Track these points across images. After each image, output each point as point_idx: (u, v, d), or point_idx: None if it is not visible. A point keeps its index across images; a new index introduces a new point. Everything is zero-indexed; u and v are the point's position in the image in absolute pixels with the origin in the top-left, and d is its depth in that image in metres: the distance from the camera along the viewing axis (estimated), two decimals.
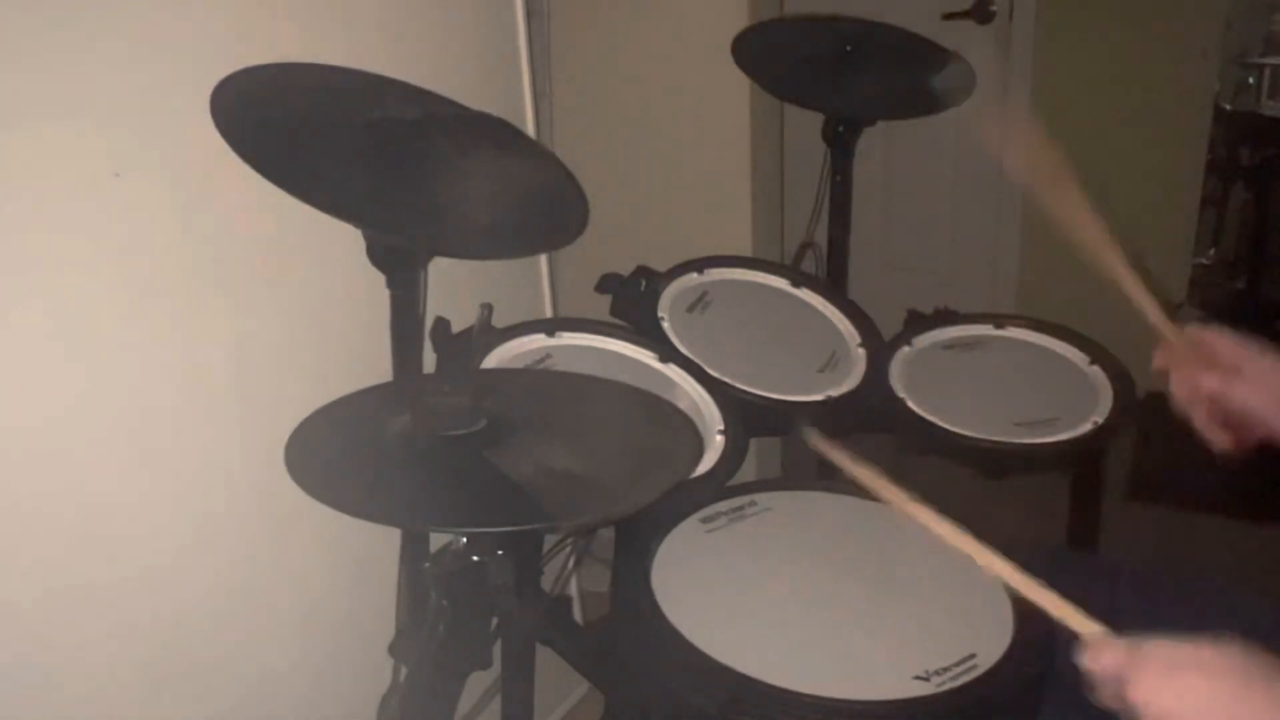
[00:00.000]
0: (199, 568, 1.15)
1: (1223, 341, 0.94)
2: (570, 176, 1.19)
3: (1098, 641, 0.74)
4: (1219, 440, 0.92)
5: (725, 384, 1.33)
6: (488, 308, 1.19)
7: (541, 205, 1.18)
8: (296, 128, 1.03)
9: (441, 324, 1.24)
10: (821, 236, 1.83)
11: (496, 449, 0.88)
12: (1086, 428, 1.34)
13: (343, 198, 1.01)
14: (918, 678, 0.94)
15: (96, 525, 1.04)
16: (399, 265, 1.07)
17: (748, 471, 1.37)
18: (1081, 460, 1.48)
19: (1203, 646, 0.71)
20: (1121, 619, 0.76)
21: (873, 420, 1.42)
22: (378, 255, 1.06)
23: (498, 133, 1.20)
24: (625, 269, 1.47)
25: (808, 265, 2.24)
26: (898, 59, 1.68)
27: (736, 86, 1.99)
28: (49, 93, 0.95)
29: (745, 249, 2.08)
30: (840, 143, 1.66)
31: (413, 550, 1.19)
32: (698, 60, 2.02)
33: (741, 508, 1.19)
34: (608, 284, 1.46)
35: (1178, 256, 2.76)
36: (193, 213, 1.09)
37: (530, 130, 1.64)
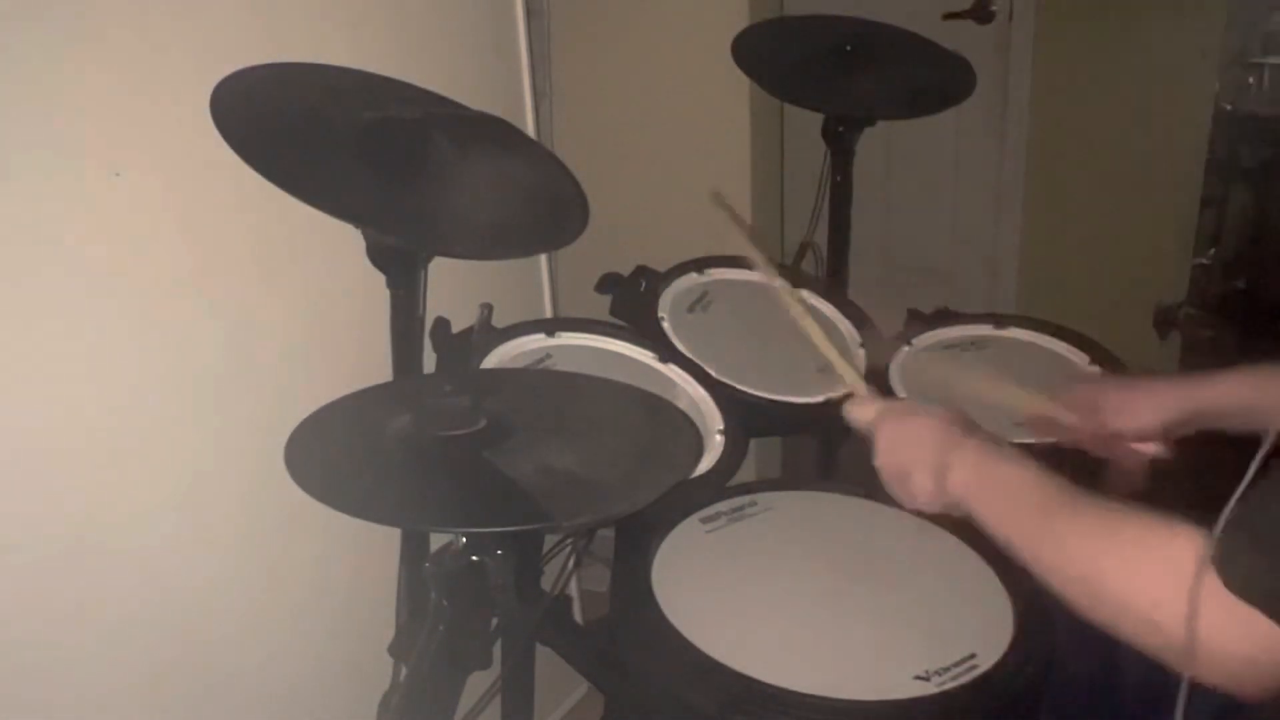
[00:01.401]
0: (199, 568, 1.15)
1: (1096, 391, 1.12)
2: (570, 176, 1.19)
3: (859, 398, 1.05)
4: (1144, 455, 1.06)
5: (725, 384, 1.33)
6: (488, 308, 1.19)
7: (541, 205, 1.18)
8: (296, 128, 1.03)
9: (441, 324, 1.24)
10: (821, 236, 1.83)
11: (496, 449, 0.88)
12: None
13: (343, 198, 1.01)
14: (918, 678, 0.94)
15: (96, 525, 1.04)
16: (399, 265, 1.07)
17: (748, 471, 1.37)
18: (1081, 461, 1.47)
19: (919, 406, 1.02)
20: None
21: None
22: (378, 255, 1.06)
23: (498, 133, 1.21)
24: (625, 269, 1.47)
25: (808, 265, 2.24)
26: (898, 59, 1.68)
27: (736, 86, 1.99)
28: (49, 92, 0.95)
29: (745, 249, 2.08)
30: (840, 143, 1.66)
31: (413, 550, 1.19)
32: (698, 60, 2.02)
33: (741, 508, 1.20)
34: (608, 284, 1.46)
35: (1178, 256, 2.76)
36: (193, 213, 1.09)
37: (530, 130, 1.64)
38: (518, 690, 1.18)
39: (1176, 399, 1.05)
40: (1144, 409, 1.06)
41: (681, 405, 1.22)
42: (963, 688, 0.93)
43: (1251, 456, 0.66)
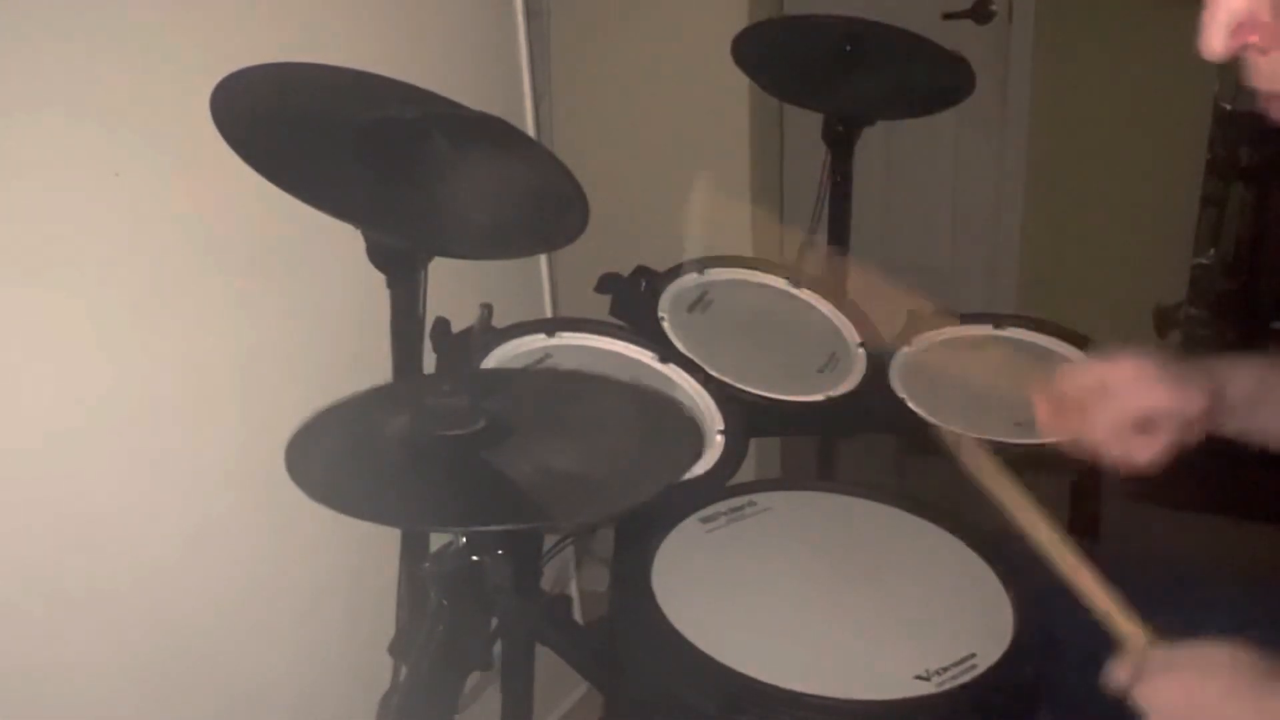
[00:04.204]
0: (199, 568, 1.15)
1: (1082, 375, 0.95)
2: (570, 176, 1.19)
3: (1136, 646, 0.78)
4: (1140, 458, 0.92)
5: (725, 384, 1.33)
6: (488, 308, 1.19)
7: (541, 205, 1.18)
8: (296, 128, 1.03)
9: (441, 324, 1.24)
10: (822, 236, 1.83)
11: (496, 449, 0.88)
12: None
13: (343, 198, 1.01)
14: (918, 677, 0.94)
15: (97, 525, 1.04)
16: (399, 265, 1.07)
17: (748, 471, 1.37)
18: (1081, 460, 1.47)
19: (1200, 647, 0.74)
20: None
21: (873, 420, 1.42)
22: (378, 255, 1.06)
23: (498, 133, 1.20)
24: (625, 269, 1.47)
25: (807, 265, 2.23)
26: (898, 59, 1.68)
27: (736, 86, 1.99)
28: (49, 92, 0.95)
29: (745, 249, 2.08)
30: (840, 143, 1.65)
31: (413, 550, 1.19)
32: (698, 60, 2.02)
33: (741, 508, 1.19)
34: (608, 284, 1.46)
35: (1178, 256, 2.76)
36: (192, 213, 1.09)
37: (530, 130, 1.64)
38: (518, 690, 1.18)
39: (1199, 379, 0.90)
40: (1186, 398, 0.90)
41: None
42: (963, 688, 0.93)
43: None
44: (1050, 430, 0.97)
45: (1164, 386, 0.89)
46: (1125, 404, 0.90)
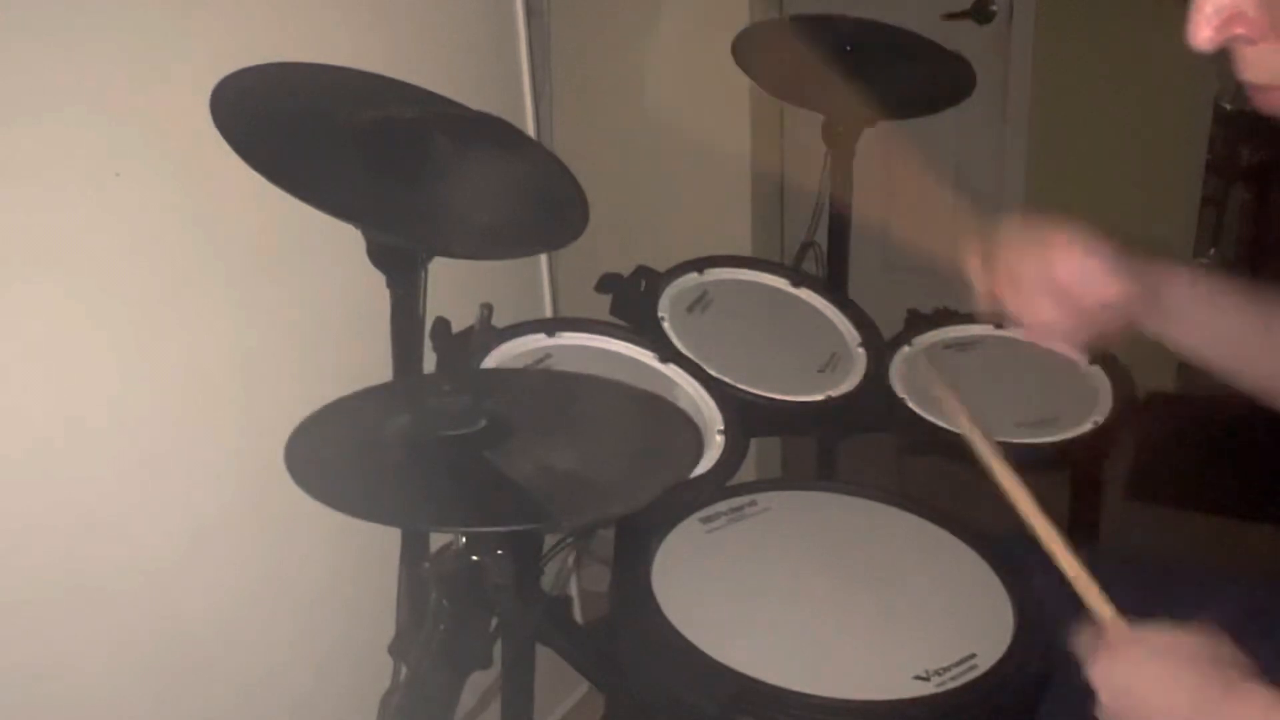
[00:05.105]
0: (199, 568, 1.15)
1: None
2: (570, 176, 1.19)
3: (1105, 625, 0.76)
4: (1049, 326, 0.91)
5: (725, 384, 1.33)
6: (488, 308, 1.18)
7: (541, 205, 1.18)
8: (296, 128, 1.03)
9: (441, 324, 1.24)
10: (822, 236, 1.83)
11: (496, 449, 0.88)
12: (1086, 428, 1.34)
13: (343, 198, 1.01)
14: (918, 678, 0.94)
15: (97, 525, 1.04)
16: (399, 265, 1.07)
17: (748, 471, 1.37)
18: (1081, 460, 1.48)
19: (1155, 630, 0.73)
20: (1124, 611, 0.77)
21: (873, 420, 1.42)
22: (378, 255, 1.06)
23: (498, 133, 1.20)
24: (625, 269, 1.47)
25: (808, 265, 2.24)
26: (898, 59, 1.68)
27: (736, 86, 1.99)
28: (49, 92, 0.95)
29: (745, 249, 2.08)
30: (840, 143, 1.65)
31: (413, 550, 1.19)
32: (698, 60, 2.02)
33: (741, 508, 1.19)
34: (608, 284, 1.46)
35: (1178, 256, 2.76)
36: (193, 213, 1.09)
37: (530, 130, 1.64)
38: (518, 690, 1.18)
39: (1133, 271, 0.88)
40: (1113, 280, 0.88)
41: (681, 405, 1.22)
42: (962, 688, 0.93)
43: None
44: (979, 284, 0.96)
45: (1090, 263, 0.88)
46: (1048, 270, 0.89)
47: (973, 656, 0.96)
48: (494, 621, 1.03)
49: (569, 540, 1.24)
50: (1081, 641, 0.76)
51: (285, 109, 1.03)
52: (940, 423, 1.34)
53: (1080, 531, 1.51)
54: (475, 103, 1.19)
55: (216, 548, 1.17)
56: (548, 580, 1.19)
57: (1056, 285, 0.88)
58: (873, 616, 1.04)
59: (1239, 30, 0.61)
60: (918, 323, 1.55)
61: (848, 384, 1.41)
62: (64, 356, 0.99)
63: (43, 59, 0.93)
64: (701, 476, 1.17)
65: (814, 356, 1.45)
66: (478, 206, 1.11)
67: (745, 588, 1.08)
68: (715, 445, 1.23)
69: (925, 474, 1.57)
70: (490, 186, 1.14)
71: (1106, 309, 0.88)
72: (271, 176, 0.95)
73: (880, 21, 1.68)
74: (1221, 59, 0.66)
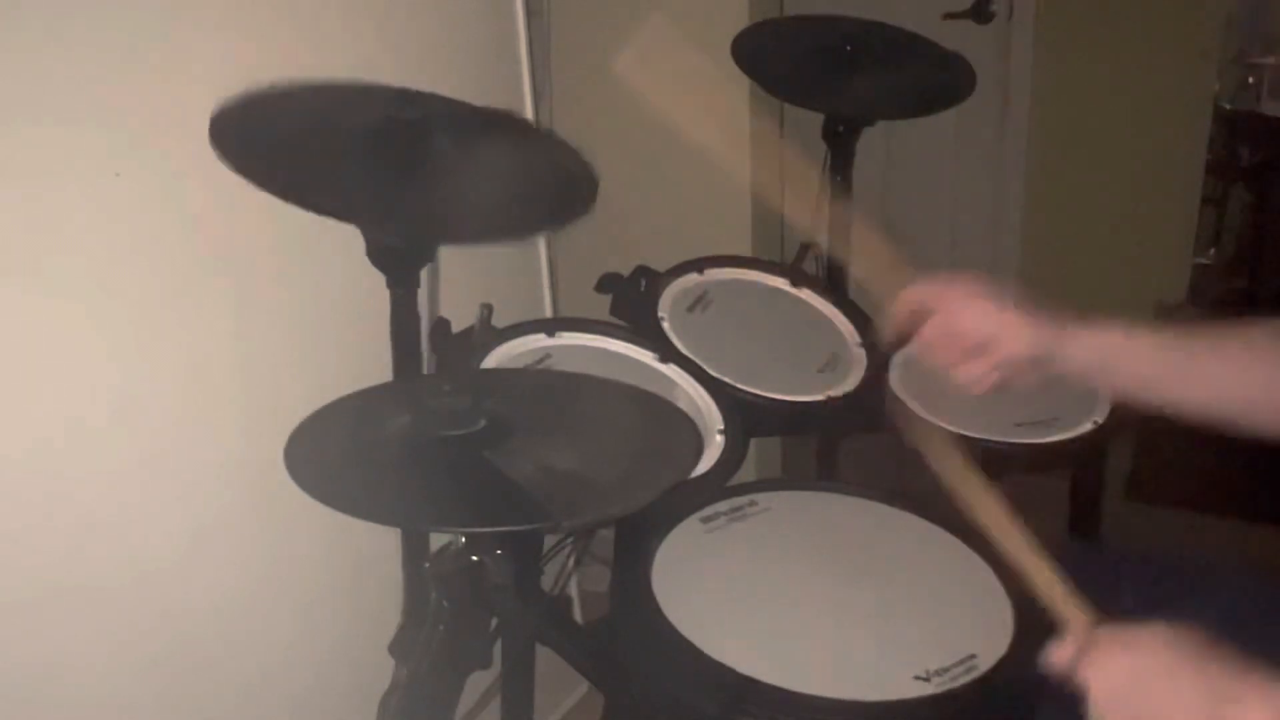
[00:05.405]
0: (199, 568, 1.15)
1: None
2: (573, 150, 1.18)
3: (1079, 631, 0.77)
4: (963, 376, 0.97)
5: (725, 384, 1.33)
6: (488, 308, 1.19)
7: (547, 185, 1.18)
8: (296, 132, 1.02)
9: (441, 324, 1.24)
10: (821, 236, 1.83)
11: (496, 449, 0.88)
12: (1086, 428, 1.34)
13: (343, 198, 1.01)
14: (918, 678, 0.94)
15: (97, 525, 1.04)
16: (399, 265, 1.07)
17: (748, 471, 1.37)
18: (1081, 460, 1.48)
19: (1143, 628, 0.73)
20: (1123, 611, 0.77)
21: (873, 420, 1.42)
22: (378, 255, 1.06)
23: (498, 123, 1.20)
24: (625, 269, 1.47)
25: (808, 265, 2.23)
26: (898, 59, 1.68)
27: (736, 86, 1.98)
28: (49, 93, 0.95)
29: (745, 249, 2.08)
30: (840, 143, 1.65)
31: (413, 550, 1.19)
32: (697, 59, 2.02)
33: (741, 508, 1.19)
34: (608, 284, 1.46)
35: (1178, 256, 2.76)
36: (192, 213, 1.09)
37: None
38: (518, 690, 1.18)
39: (1050, 337, 0.94)
40: (1016, 336, 0.93)
41: (681, 405, 1.22)
42: (963, 688, 0.93)
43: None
44: (900, 330, 1.01)
45: (991, 317, 0.94)
46: (950, 322, 0.96)
47: (973, 656, 0.96)
48: (494, 621, 1.03)
49: (569, 540, 1.24)
50: (1064, 649, 0.76)
51: (284, 124, 1.02)
52: (940, 422, 1.34)
53: (1081, 532, 1.52)
54: (475, 102, 1.19)
55: (216, 548, 1.17)
56: (548, 580, 1.19)
57: (966, 340, 0.95)
58: (873, 617, 1.04)
59: None
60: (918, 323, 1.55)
61: (848, 384, 1.41)
62: (64, 356, 0.99)
63: (43, 59, 0.93)
64: (701, 476, 1.17)
65: (814, 356, 1.45)
66: (482, 195, 1.11)
67: (745, 588, 1.08)
68: (715, 445, 1.23)
69: (925, 474, 1.57)
70: (493, 177, 1.14)
71: (1016, 362, 0.94)
72: (269, 187, 0.94)
73: (880, 21, 1.68)
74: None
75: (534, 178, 1.17)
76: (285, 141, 1.00)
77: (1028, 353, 0.94)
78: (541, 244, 1.69)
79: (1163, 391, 0.92)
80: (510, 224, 1.15)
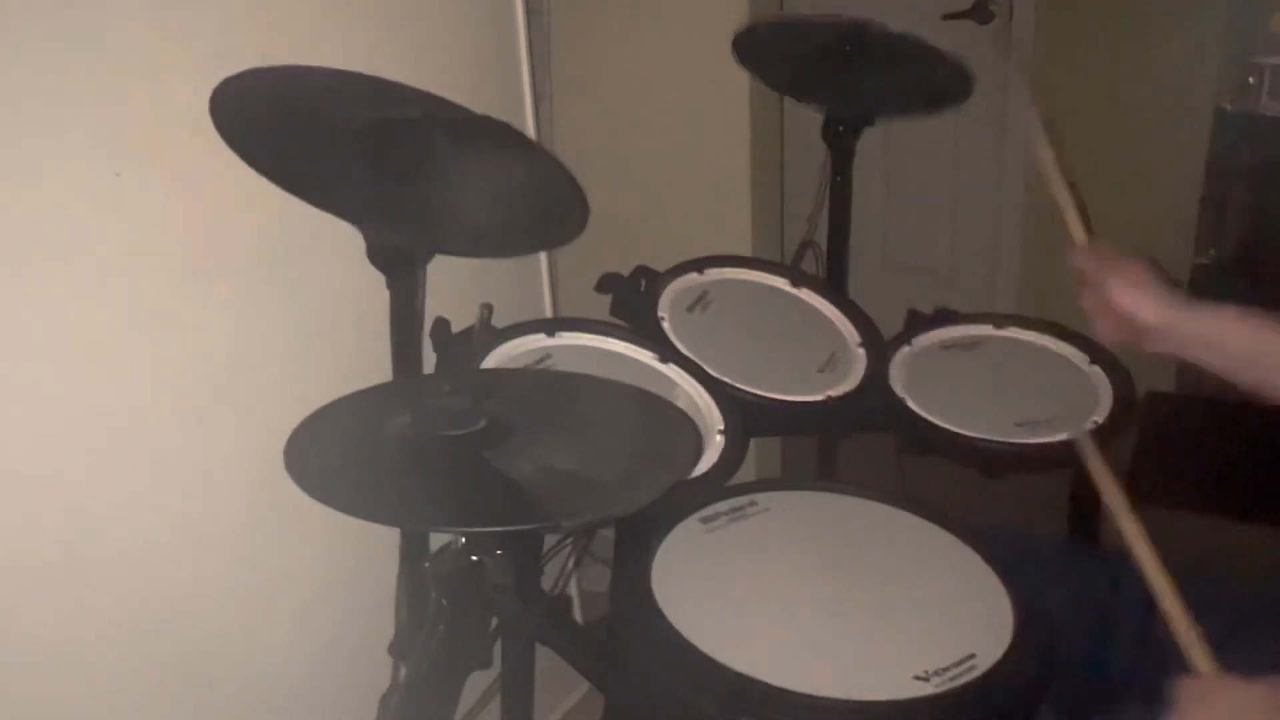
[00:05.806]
0: (198, 567, 1.15)
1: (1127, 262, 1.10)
2: (569, 176, 1.19)
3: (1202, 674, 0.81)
4: (1107, 333, 1.09)
5: (725, 384, 1.33)
6: (488, 308, 1.19)
7: (541, 205, 1.18)
8: (296, 128, 1.03)
9: (441, 324, 1.24)
10: (821, 236, 1.83)
11: (496, 449, 0.88)
12: (1086, 428, 1.34)
13: (343, 198, 1.01)
14: (918, 678, 0.94)
15: (96, 525, 1.04)
16: (399, 265, 1.07)
17: (748, 471, 1.37)
18: (1081, 460, 1.47)
19: (1257, 685, 0.77)
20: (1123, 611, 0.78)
21: (873, 420, 1.42)
22: (378, 255, 1.06)
23: (498, 134, 1.21)
24: (625, 269, 1.47)
25: (808, 265, 2.24)
26: (898, 59, 1.68)
27: (736, 86, 1.99)
28: (49, 92, 0.95)
29: (745, 249, 2.08)
30: (840, 143, 1.66)
31: (413, 550, 1.19)
32: (698, 60, 2.02)
33: (741, 508, 1.19)
34: (608, 284, 1.46)
35: (1178, 256, 2.75)
36: (192, 213, 1.09)
37: (530, 131, 1.64)
38: (518, 690, 1.18)
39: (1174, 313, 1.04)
40: (1155, 311, 1.04)
41: (681, 405, 1.22)
42: (962, 688, 0.93)
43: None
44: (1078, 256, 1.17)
45: (1147, 308, 1.04)
46: (1106, 290, 1.08)
47: (972, 656, 0.96)
48: (494, 621, 1.03)
49: (569, 540, 1.24)
50: (1176, 688, 0.80)
51: (285, 109, 1.03)
52: (940, 422, 1.35)
53: (1081, 532, 1.52)
54: (475, 103, 1.19)
55: (216, 548, 1.17)
56: (548, 580, 1.19)
57: (1111, 305, 1.06)
58: (872, 617, 1.04)
59: None
60: (918, 323, 1.55)
61: (848, 384, 1.41)
62: (64, 356, 0.99)
63: (43, 59, 0.93)
64: (701, 476, 1.17)
65: (814, 356, 1.45)
66: (478, 206, 1.12)
67: (745, 588, 1.08)
68: (715, 445, 1.23)
69: (925, 474, 1.57)
70: (490, 186, 1.14)
71: (1149, 330, 1.04)
72: (272, 176, 0.95)
73: (880, 21, 1.68)
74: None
75: (527, 196, 1.17)
76: (283, 125, 1.00)
77: (1155, 323, 1.03)
78: None
79: (1266, 373, 0.98)
80: (502, 240, 1.15)
